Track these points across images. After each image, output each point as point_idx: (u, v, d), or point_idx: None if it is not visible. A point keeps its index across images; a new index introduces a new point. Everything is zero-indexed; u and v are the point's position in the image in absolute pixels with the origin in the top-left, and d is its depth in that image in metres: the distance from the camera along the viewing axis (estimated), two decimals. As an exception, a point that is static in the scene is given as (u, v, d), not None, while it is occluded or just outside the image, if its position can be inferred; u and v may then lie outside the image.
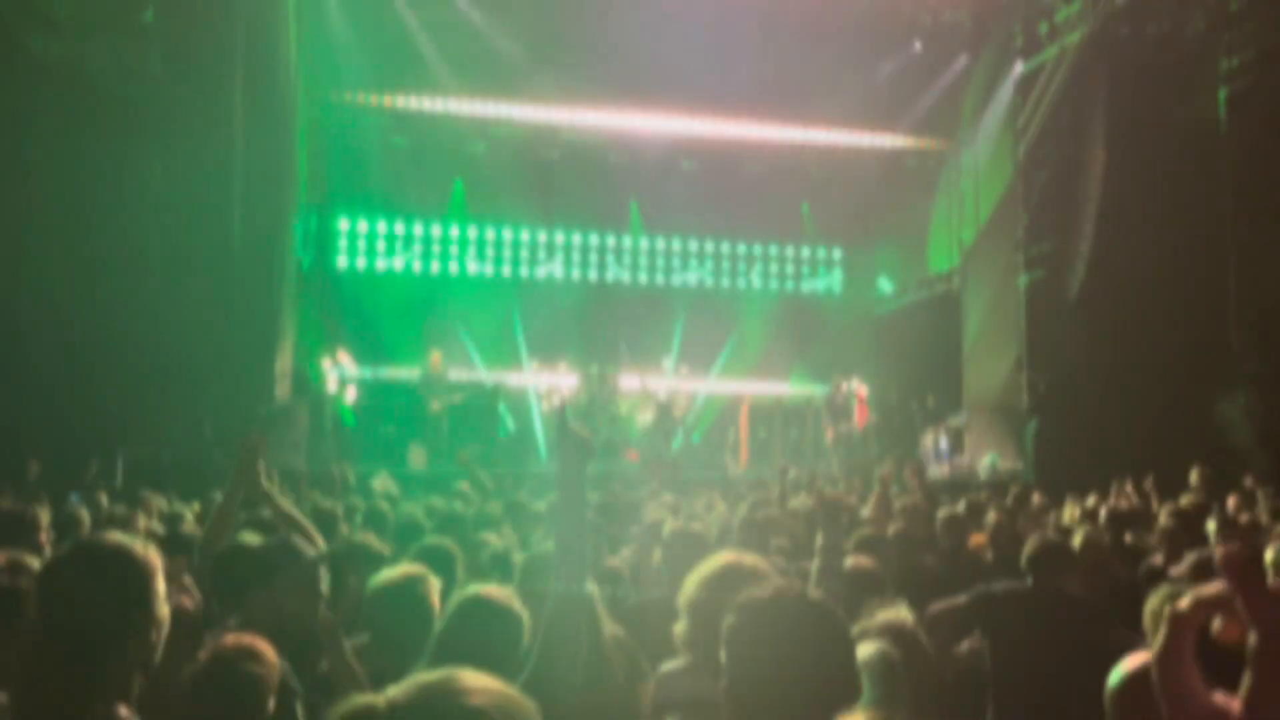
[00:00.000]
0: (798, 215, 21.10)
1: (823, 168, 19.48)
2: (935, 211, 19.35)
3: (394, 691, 1.04)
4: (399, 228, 19.16)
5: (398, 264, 19.14)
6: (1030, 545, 4.32)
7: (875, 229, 21.21)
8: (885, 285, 21.20)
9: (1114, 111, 14.81)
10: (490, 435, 14.89)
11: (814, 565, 3.30)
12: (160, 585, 2.01)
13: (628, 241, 20.60)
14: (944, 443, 17.36)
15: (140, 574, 1.97)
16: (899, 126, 18.31)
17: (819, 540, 3.38)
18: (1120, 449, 12.22)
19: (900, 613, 2.65)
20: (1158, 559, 5.40)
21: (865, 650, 2.19)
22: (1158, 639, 0.68)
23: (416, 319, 18.17)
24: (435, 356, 14.87)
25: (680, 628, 2.59)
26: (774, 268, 21.52)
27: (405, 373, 16.59)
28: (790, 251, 21.56)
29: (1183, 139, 14.50)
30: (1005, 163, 16.70)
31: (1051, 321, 15.45)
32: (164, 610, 2.02)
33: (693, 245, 20.98)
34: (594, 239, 20.42)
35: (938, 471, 16.54)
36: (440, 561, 3.42)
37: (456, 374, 16.10)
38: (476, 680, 1.05)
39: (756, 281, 21.33)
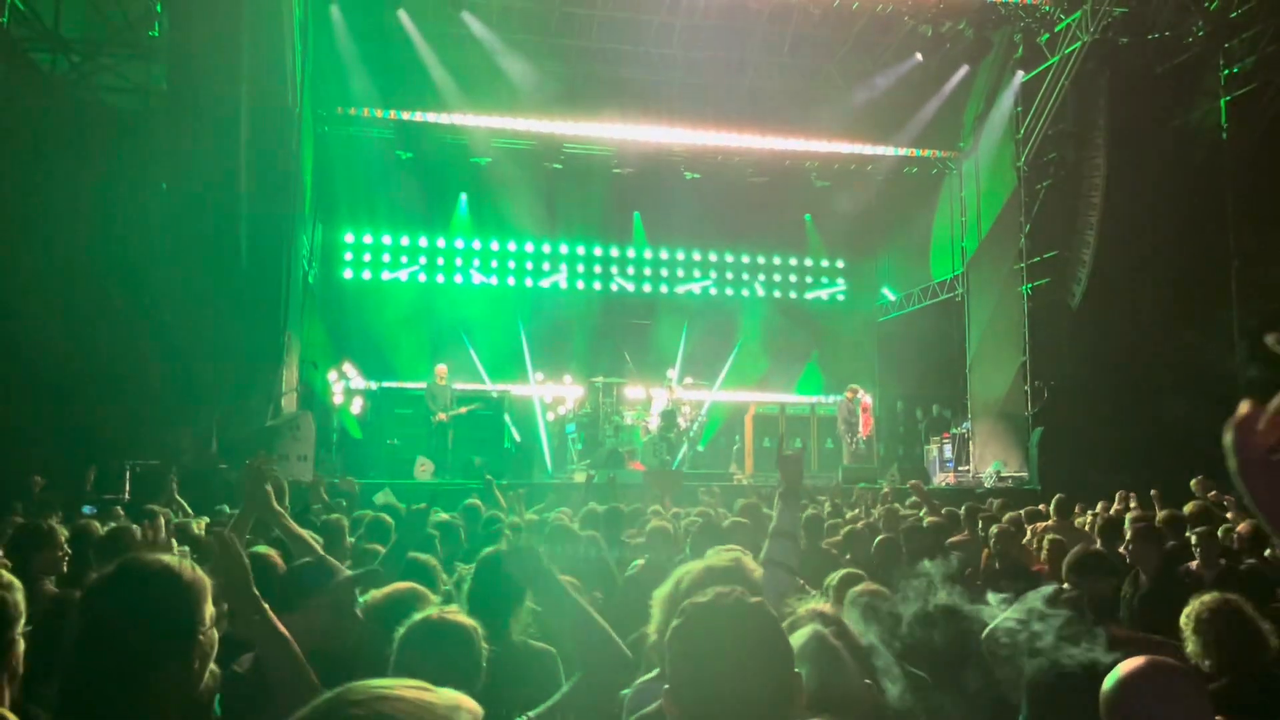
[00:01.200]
0: (801, 225, 21.17)
1: (825, 178, 19.55)
2: (937, 220, 19.40)
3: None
4: (404, 240, 19.27)
5: (403, 276, 19.23)
6: (1071, 554, 4.64)
7: (878, 238, 21.29)
8: (888, 294, 21.24)
9: (1115, 120, 14.87)
10: (496, 446, 14.93)
11: (763, 551, 3.17)
12: (208, 609, 1.92)
13: (631, 252, 20.67)
14: (949, 451, 17.40)
15: (187, 597, 1.88)
16: (901, 137, 18.38)
17: (773, 522, 3.24)
18: (1123, 456, 12.24)
19: (818, 603, 2.68)
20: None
21: (799, 636, 2.22)
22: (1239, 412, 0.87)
23: (422, 331, 18.25)
24: (440, 369, 14.92)
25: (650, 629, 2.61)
26: (777, 277, 21.58)
27: (411, 385, 16.64)
28: (794, 261, 21.62)
29: (1184, 146, 14.57)
30: (1007, 171, 16.75)
31: (1054, 329, 15.49)
32: (211, 635, 1.93)
33: (696, 256, 21.06)
34: (598, 250, 20.49)
35: (943, 480, 16.59)
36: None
37: (462, 386, 16.16)
38: (377, 690, 0.97)
39: (760, 291, 21.38)
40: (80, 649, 1.82)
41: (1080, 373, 14.75)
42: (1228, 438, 0.84)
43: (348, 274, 18.89)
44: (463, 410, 14.55)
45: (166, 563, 1.93)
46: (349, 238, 18.91)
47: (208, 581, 1.95)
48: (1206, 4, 14.49)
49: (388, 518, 6.16)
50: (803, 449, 16.20)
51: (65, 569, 4.40)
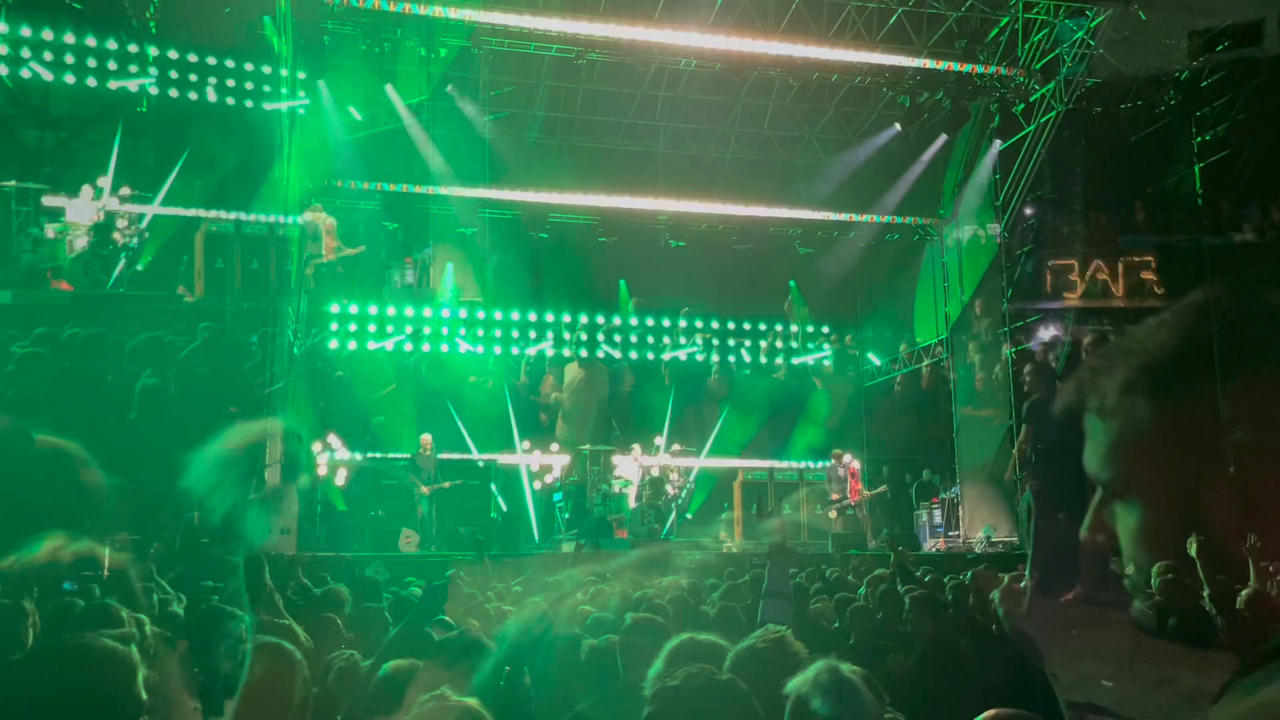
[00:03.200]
0: (785, 291, 21.32)
1: (808, 245, 19.77)
2: (920, 286, 19.57)
3: None
4: (390, 309, 19.25)
5: (389, 345, 19.16)
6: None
7: (862, 304, 21.46)
8: (874, 359, 21.32)
9: (1092, 186, 15.12)
10: (483, 516, 14.78)
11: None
12: (137, 690, 1.84)
13: (618, 319, 20.72)
14: (938, 516, 17.31)
15: (112, 679, 1.81)
16: (882, 205, 18.64)
17: (764, 583, 3.20)
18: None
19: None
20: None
21: (811, 670, 2.13)
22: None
23: (408, 400, 18.14)
24: (426, 439, 14.83)
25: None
26: (763, 343, 21.63)
27: (396, 455, 16.49)
28: (779, 327, 21.69)
29: (1159, 211, 14.82)
30: (988, 237, 16.96)
31: (1040, 393, 15.50)
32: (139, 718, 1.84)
33: (682, 322, 21.11)
34: (584, 317, 20.52)
35: (933, 545, 16.48)
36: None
37: (448, 456, 16.03)
38: None
39: (746, 356, 21.41)
40: None
41: (1067, 435, 14.74)
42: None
43: (333, 344, 18.81)
44: (445, 485, 14.44)
45: (94, 643, 1.86)
46: (335, 308, 18.87)
47: (135, 663, 1.89)
48: (1177, 74, 14.86)
49: (343, 590, 6.08)
50: (781, 507, 16.06)
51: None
